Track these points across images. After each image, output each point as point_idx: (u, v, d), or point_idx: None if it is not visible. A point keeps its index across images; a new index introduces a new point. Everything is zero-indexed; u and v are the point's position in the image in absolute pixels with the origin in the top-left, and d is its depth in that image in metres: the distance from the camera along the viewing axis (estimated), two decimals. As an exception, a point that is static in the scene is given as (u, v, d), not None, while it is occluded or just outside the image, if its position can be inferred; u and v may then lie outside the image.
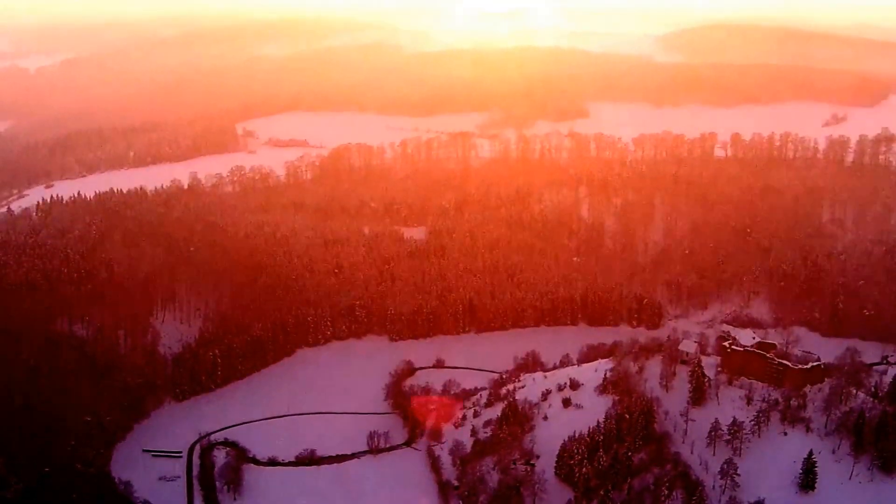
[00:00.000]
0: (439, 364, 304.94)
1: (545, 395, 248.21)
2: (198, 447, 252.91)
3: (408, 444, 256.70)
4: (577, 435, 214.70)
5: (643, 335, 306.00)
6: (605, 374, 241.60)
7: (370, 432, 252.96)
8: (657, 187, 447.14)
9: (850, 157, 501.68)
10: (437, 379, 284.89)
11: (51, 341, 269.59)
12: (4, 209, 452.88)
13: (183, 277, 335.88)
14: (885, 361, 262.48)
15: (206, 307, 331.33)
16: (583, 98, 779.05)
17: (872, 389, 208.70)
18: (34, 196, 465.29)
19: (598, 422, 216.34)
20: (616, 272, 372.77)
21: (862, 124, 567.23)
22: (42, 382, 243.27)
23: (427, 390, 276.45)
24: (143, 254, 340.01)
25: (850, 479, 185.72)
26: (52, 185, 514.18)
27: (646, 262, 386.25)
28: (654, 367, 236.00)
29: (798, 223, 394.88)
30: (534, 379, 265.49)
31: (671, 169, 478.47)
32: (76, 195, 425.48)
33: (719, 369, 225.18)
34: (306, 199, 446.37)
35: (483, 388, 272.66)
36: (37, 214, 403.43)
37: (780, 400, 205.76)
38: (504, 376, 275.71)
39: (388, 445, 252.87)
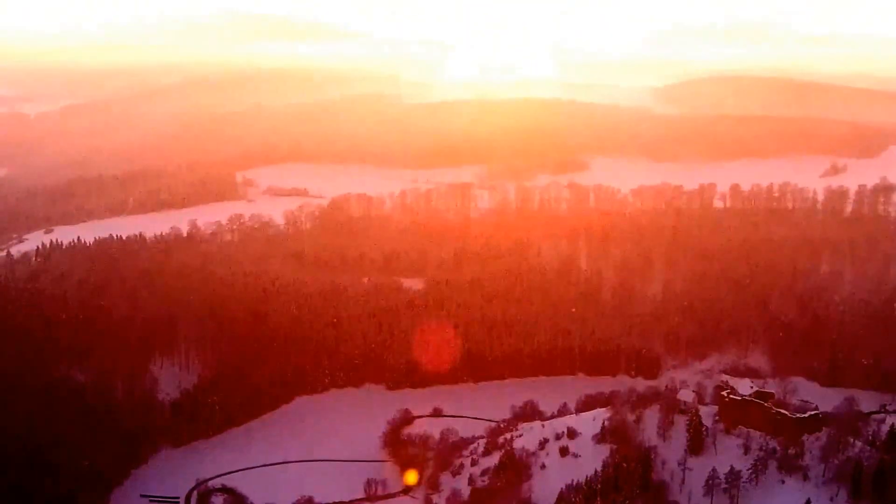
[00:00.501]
0: (437, 413, 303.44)
1: (543, 443, 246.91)
2: (195, 493, 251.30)
3: (405, 492, 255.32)
4: (574, 484, 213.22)
5: (641, 385, 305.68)
6: (603, 424, 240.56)
7: (367, 480, 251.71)
8: (656, 238, 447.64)
9: (849, 208, 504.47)
10: (434, 427, 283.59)
11: (49, 386, 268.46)
12: (3, 254, 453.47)
13: (181, 325, 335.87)
14: (882, 410, 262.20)
15: (204, 355, 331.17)
16: (582, 150, 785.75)
17: (870, 438, 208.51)
18: (33, 241, 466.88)
19: (596, 471, 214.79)
20: (614, 323, 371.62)
21: (861, 175, 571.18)
22: (40, 427, 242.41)
23: (425, 438, 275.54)
24: (141, 300, 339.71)
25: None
26: (51, 231, 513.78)
27: (644, 312, 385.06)
28: (652, 416, 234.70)
29: (797, 273, 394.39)
30: (531, 428, 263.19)
31: (670, 220, 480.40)
32: (76, 241, 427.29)
33: (717, 418, 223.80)
34: (305, 249, 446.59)
35: (481, 437, 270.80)
36: (36, 259, 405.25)
37: (778, 449, 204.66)
38: (502, 425, 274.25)
39: (385, 493, 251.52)
